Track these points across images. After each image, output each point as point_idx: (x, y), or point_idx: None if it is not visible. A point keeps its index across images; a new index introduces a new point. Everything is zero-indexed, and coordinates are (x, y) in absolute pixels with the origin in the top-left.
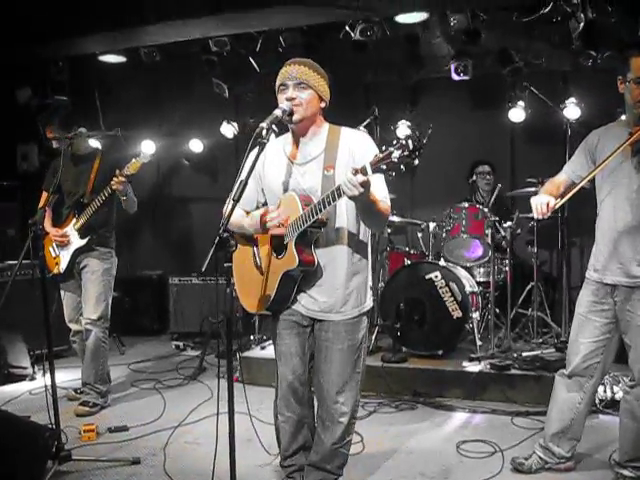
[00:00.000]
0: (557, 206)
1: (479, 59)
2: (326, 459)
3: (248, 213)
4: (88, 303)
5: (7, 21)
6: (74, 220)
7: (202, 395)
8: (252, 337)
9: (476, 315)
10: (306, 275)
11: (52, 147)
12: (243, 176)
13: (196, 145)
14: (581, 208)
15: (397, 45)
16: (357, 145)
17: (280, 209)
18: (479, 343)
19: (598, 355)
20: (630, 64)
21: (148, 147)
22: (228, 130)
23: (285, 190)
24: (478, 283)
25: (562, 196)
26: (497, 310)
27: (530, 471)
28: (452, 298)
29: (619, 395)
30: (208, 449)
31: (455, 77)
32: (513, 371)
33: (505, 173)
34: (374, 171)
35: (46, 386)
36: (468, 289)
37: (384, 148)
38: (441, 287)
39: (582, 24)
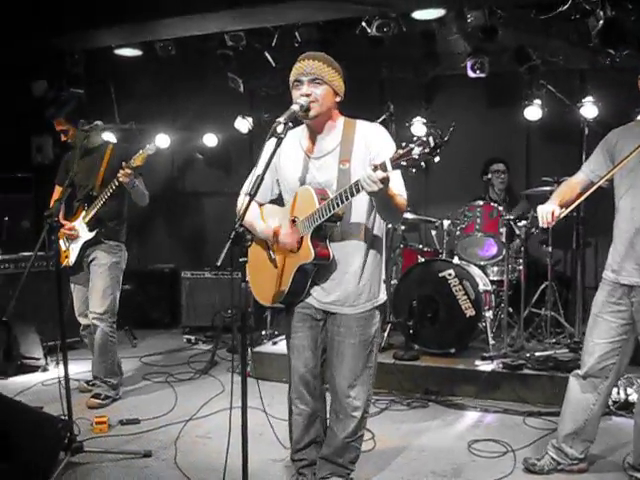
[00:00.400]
0: (562, 215)
1: (496, 56)
2: (338, 452)
3: (261, 205)
4: (94, 296)
5: (24, 14)
6: (83, 213)
7: (213, 389)
8: (264, 332)
9: (489, 314)
10: (320, 268)
11: (61, 139)
12: (259, 170)
13: (210, 139)
14: (597, 208)
15: (413, 41)
16: (373, 138)
17: (290, 231)
18: (492, 342)
19: (614, 356)
20: None
21: (162, 141)
22: (243, 125)
23: (302, 184)
24: (491, 282)
25: (577, 198)
26: (510, 309)
27: (542, 472)
28: (465, 296)
29: (633, 397)
30: (219, 443)
31: (471, 74)
32: (526, 371)
33: (520, 171)
34: (394, 167)
35: (59, 377)
36: (481, 287)
37: (404, 144)
38: (454, 285)
39: (601, 22)
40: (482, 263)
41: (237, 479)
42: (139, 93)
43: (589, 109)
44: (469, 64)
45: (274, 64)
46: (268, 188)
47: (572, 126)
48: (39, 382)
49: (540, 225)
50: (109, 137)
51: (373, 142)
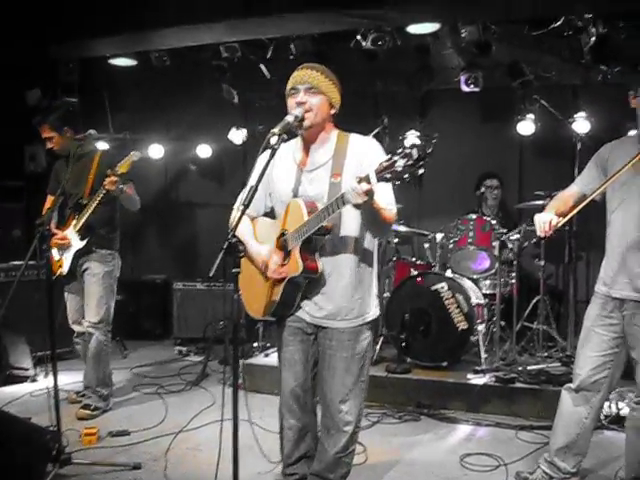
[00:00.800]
0: (559, 224)
1: (489, 71)
2: (329, 468)
3: (253, 220)
4: (89, 306)
5: (19, 22)
6: (74, 221)
7: (204, 401)
8: (255, 344)
9: (482, 327)
10: (311, 282)
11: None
12: (253, 182)
13: (204, 150)
14: (589, 222)
15: (408, 55)
16: (365, 152)
17: (285, 266)
18: (484, 356)
19: (605, 369)
20: None
21: (156, 151)
22: (236, 136)
23: (294, 196)
24: (484, 295)
25: (571, 210)
26: (503, 323)
27: None
28: (458, 310)
29: (624, 411)
30: (209, 455)
31: (465, 89)
32: (518, 384)
33: (513, 186)
34: (378, 180)
35: (48, 388)
36: (474, 301)
37: (388, 157)
38: (447, 298)
39: (593, 39)
40: (475, 276)
41: None
42: (133, 103)
43: (581, 124)
44: (463, 78)
45: (269, 76)
46: (261, 200)
47: (565, 141)
48: (27, 393)
49: (538, 234)
50: (102, 147)
51: (365, 155)
